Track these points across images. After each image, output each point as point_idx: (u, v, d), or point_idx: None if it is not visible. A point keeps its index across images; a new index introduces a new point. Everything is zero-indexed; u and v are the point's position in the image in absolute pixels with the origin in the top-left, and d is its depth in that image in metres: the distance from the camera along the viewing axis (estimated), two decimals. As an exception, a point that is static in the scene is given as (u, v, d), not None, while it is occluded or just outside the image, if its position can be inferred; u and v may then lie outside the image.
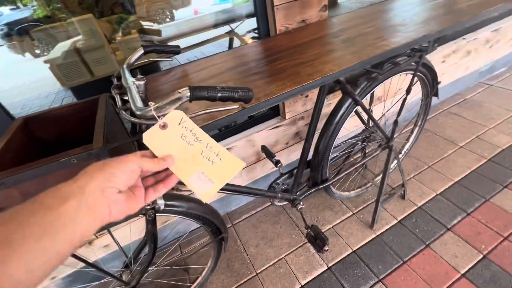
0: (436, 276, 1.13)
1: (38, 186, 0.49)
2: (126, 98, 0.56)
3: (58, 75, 1.20)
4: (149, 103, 0.44)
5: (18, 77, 1.42)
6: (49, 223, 0.27)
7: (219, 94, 0.45)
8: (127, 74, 0.61)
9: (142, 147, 0.60)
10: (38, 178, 0.47)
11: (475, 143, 1.71)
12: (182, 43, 1.51)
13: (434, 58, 1.75)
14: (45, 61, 1.19)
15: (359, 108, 1.02)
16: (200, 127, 0.42)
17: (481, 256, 1.16)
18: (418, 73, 1.06)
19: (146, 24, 1.40)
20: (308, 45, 0.82)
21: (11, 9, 1.15)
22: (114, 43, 1.26)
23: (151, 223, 0.78)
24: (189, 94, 0.43)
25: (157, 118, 0.42)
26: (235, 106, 0.50)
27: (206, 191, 0.40)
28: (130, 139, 0.56)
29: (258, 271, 1.28)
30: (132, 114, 0.53)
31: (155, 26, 1.37)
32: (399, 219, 1.38)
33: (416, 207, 1.41)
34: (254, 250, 1.37)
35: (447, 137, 1.80)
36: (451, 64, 1.91)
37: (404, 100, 1.07)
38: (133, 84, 0.57)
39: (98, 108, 0.62)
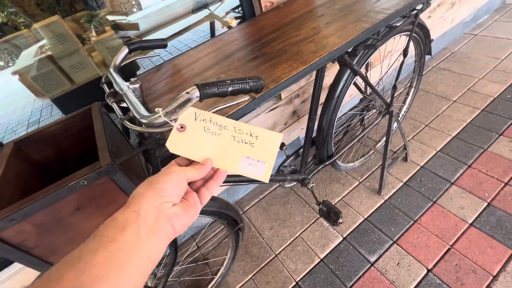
0: (447, 230, 1.18)
1: (49, 214, 0.46)
2: (124, 105, 0.52)
3: (32, 86, 1.12)
4: (156, 109, 0.40)
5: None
6: (114, 256, 0.25)
7: (230, 88, 0.41)
8: (118, 79, 0.56)
9: (148, 154, 0.57)
10: (48, 207, 0.44)
11: (467, 96, 1.73)
12: (159, 35, 1.41)
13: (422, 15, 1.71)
14: (13, 73, 1.10)
15: (357, 78, 1.00)
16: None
17: (486, 204, 1.21)
18: (413, 34, 1.03)
19: (118, 18, 1.30)
20: (303, 20, 0.77)
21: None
22: (88, 44, 1.17)
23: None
24: (198, 93, 0.39)
25: (170, 122, 0.39)
26: (245, 98, 0.46)
27: (263, 173, 0.39)
28: (137, 150, 0.52)
29: (277, 252, 1.31)
30: (132, 121, 0.49)
31: (129, 19, 1.27)
32: (404, 181, 1.41)
33: (419, 167, 1.44)
34: (269, 233, 1.39)
35: (440, 93, 1.81)
36: (437, 18, 1.88)
37: (402, 63, 1.04)
38: (128, 89, 0.52)
39: (93, 120, 0.58)
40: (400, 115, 1.55)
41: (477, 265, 1.05)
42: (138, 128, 0.45)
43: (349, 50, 0.81)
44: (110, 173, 0.45)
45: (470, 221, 1.18)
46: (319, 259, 1.23)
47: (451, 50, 2.14)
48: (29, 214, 0.42)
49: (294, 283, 1.18)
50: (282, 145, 1.10)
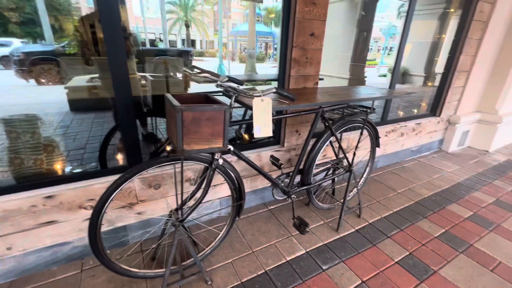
0: (379, 261, 1.62)
1: (199, 115, 1.04)
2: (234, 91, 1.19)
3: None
4: (257, 92, 1.07)
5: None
6: None
7: (285, 93, 1.10)
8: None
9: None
10: (199, 112, 1.03)
11: (407, 192, 2.44)
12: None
13: (381, 130, 2.64)
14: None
15: (333, 140, 1.71)
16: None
17: (408, 252, 1.70)
18: (366, 127, 1.83)
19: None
20: (309, 94, 1.56)
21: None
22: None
23: (212, 172, 1.28)
24: (275, 90, 1.08)
25: (262, 96, 1.06)
26: (286, 101, 1.15)
27: (265, 132, 1.03)
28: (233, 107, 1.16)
29: (254, 250, 1.66)
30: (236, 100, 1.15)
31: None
32: (356, 228, 1.91)
33: (367, 223, 1.98)
34: (251, 237, 1.77)
35: (390, 186, 2.53)
36: (391, 139, 2.82)
37: (359, 139, 1.79)
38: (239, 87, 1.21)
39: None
40: (359, 185, 2.20)
41: (396, 285, 1.46)
42: (246, 94, 1.11)
43: (327, 110, 1.56)
44: (226, 109, 1.07)
45: (396, 260, 1.64)
46: (285, 260, 1.60)
47: (401, 165, 3.01)
48: (194, 110, 1.01)
49: (263, 271, 1.51)
50: (281, 165, 1.70)
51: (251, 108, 1.11)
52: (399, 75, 2.72)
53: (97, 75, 2.45)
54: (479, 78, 3.28)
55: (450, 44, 3.03)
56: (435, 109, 3.26)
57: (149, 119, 2.15)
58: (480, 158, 3.30)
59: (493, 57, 3.23)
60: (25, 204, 1.28)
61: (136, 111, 1.46)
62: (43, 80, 4.03)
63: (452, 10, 3.50)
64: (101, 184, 1.43)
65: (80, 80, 3.28)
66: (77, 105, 3.45)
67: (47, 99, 3.98)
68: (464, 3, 2.83)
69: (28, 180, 1.36)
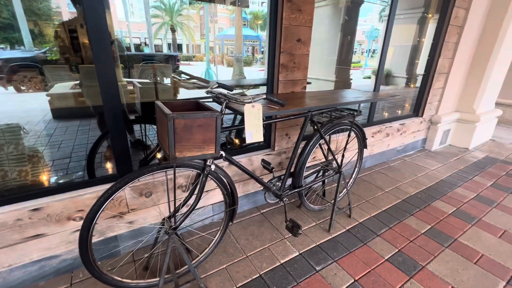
0: (370, 259, 1.66)
1: (191, 122, 1.04)
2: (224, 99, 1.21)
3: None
4: (248, 98, 1.09)
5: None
6: None
7: (275, 99, 1.13)
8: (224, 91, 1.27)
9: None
10: (191, 119, 1.04)
11: (394, 190, 2.52)
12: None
13: (368, 132, 2.72)
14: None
15: (322, 143, 1.75)
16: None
17: (397, 250, 1.76)
18: (353, 129, 1.89)
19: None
20: (297, 98, 1.59)
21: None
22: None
23: (205, 178, 1.28)
24: (265, 96, 1.10)
25: (253, 102, 1.08)
26: (276, 107, 1.17)
27: (257, 137, 1.05)
28: (223, 114, 1.17)
29: (248, 254, 1.67)
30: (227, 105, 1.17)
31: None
32: (347, 228, 1.96)
33: (357, 222, 2.03)
34: (244, 241, 1.78)
35: (378, 185, 2.60)
36: (378, 139, 2.91)
37: (347, 141, 1.84)
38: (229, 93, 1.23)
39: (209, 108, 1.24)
40: (348, 185, 2.25)
41: (387, 282, 1.51)
42: (238, 101, 1.12)
43: (316, 113, 1.60)
44: (217, 116, 1.08)
45: (386, 258, 1.69)
46: (280, 263, 1.61)
47: (388, 164, 3.11)
48: (186, 117, 1.01)
49: (258, 275, 1.52)
50: (272, 169, 1.72)
51: (242, 114, 1.13)
52: (383, 77, 2.82)
53: (79, 81, 2.40)
54: (457, 79, 3.44)
55: (429, 47, 3.18)
56: (417, 109, 3.39)
57: (137, 126, 2.12)
58: (460, 156, 3.45)
59: (469, 59, 3.41)
60: (10, 218, 1.23)
61: (125, 119, 1.45)
62: (23, 88, 3.89)
63: (430, 15, 3.67)
64: (90, 194, 1.40)
65: (63, 87, 3.19)
66: (60, 113, 3.35)
67: (28, 107, 3.84)
68: (441, 9, 2.97)
69: (12, 193, 1.31)
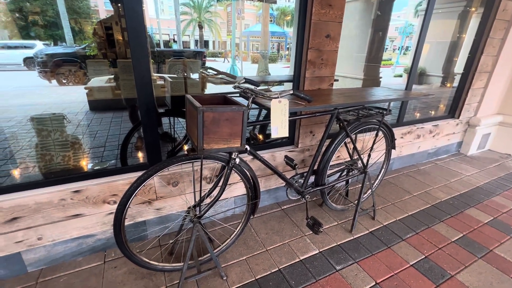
0: (394, 264, 1.61)
1: (219, 115, 1.08)
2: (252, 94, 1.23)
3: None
4: (275, 93, 1.10)
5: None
6: None
7: (302, 95, 1.13)
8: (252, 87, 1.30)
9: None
10: (219, 112, 1.07)
11: (423, 195, 2.40)
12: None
13: (397, 132, 2.60)
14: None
15: (347, 141, 1.71)
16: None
17: (423, 256, 1.68)
18: (382, 128, 1.82)
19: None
20: (324, 95, 1.57)
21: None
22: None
23: (229, 171, 1.32)
24: (292, 92, 1.10)
25: (279, 97, 1.09)
26: (303, 103, 1.17)
27: (282, 133, 1.05)
28: (249, 107, 1.20)
29: (268, 248, 1.69)
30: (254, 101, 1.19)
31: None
32: (370, 230, 1.90)
33: (382, 225, 1.96)
34: (264, 236, 1.81)
35: (405, 188, 2.49)
36: (407, 141, 2.77)
37: (374, 140, 1.78)
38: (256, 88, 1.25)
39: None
40: (373, 186, 2.18)
41: (411, 288, 1.45)
42: (265, 96, 1.14)
43: (342, 111, 1.57)
44: (244, 110, 1.11)
45: (411, 263, 1.62)
46: (299, 259, 1.62)
47: (417, 167, 2.96)
48: (214, 111, 1.05)
49: (277, 269, 1.54)
50: (296, 165, 1.72)
51: (268, 109, 1.14)
52: (416, 75, 2.67)
53: (113, 75, 2.55)
54: (501, 79, 3.16)
55: (471, 44, 2.95)
56: (454, 110, 3.17)
57: (165, 119, 2.22)
58: (501, 162, 3.18)
59: (517, 57, 3.11)
60: (55, 198, 1.37)
61: (157, 111, 1.53)
62: (64, 81, 4.24)
63: (473, 8, 3.39)
64: (123, 180, 1.50)
65: (99, 80, 3.42)
66: (97, 104, 3.59)
67: (68, 99, 4.16)
68: (487, 2, 2.74)
69: (58, 175, 1.45)
